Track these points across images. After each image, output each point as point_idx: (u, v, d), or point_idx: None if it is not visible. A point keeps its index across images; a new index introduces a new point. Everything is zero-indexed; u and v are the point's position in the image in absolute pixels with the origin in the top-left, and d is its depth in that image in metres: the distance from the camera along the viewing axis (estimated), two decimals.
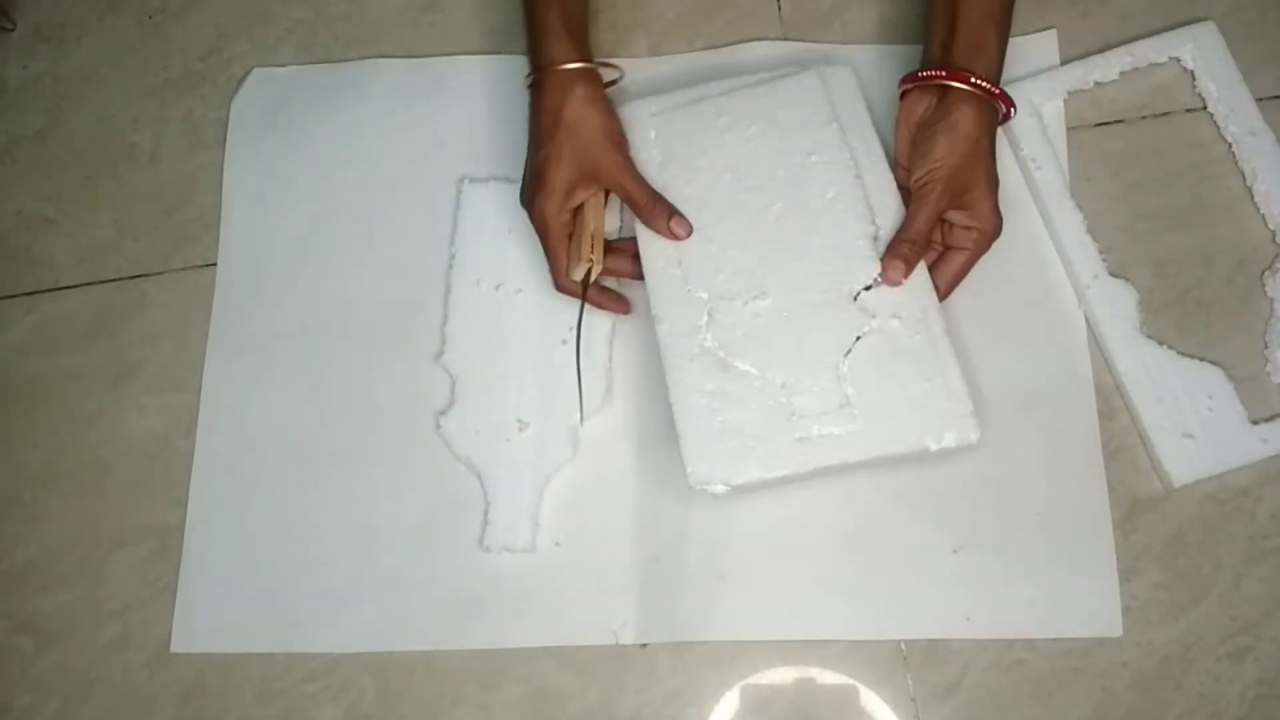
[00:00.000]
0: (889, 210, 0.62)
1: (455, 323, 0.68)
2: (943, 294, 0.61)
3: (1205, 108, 0.69)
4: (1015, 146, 0.68)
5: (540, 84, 0.63)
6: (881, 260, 0.60)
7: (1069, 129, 0.69)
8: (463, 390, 0.67)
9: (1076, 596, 0.61)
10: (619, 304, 0.66)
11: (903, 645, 0.61)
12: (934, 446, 0.58)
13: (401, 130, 0.74)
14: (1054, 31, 0.71)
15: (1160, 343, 0.63)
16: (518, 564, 0.64)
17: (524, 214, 0.64)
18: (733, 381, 0.60)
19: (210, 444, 0.69)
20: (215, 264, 0.73)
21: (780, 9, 0.75)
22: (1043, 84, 0.69)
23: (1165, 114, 0.69)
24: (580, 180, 0.62)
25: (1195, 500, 0.62)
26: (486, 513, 0.65)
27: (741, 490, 0.59)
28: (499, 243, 0.69)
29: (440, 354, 0.68)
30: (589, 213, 0.64)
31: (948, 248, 0.62)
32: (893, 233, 0.61)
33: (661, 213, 0.62)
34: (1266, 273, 0.65)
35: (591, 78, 0.63)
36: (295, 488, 0.67)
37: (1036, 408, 0.64)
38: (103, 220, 0.75)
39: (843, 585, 0.62)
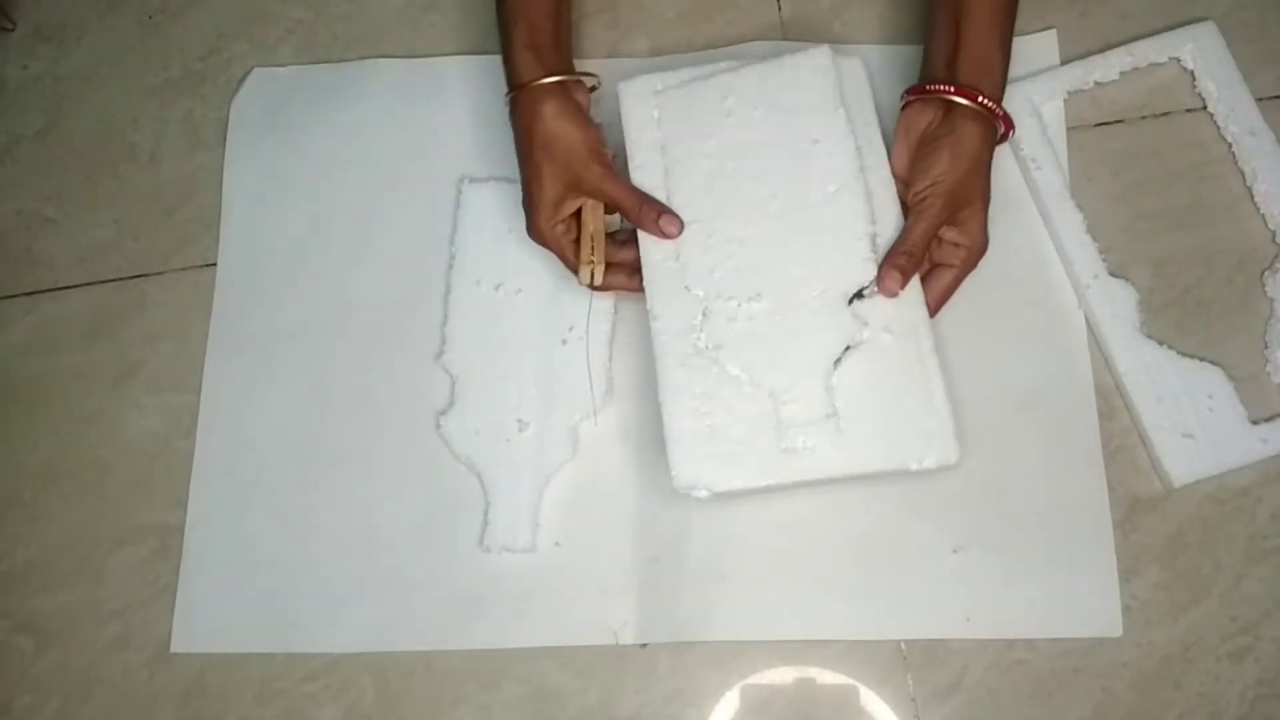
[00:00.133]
0: (888, 213, 0.62)
1: (455, 323, 0.68)
2: (932, 311, 0.61)
3: (1205, 108, 0.69)
4: (1015, 146, 0.68)
5: (514, 103, 0.63)
6: (878, 271, 0.60)
7: (1069, 129, 0.69)
8: (463, 390, 0.67)
9: (1076, 596, 0.61)
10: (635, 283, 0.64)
11: (903, 645, 0.61)
12: (915, 467, 0.58)
13: (401, 130, 0.74)
14: (1054, 31, 0.71)
15: (1160, 343, 0.63)
16: (518, 564, 0.64)
17: (524, 213, 0.64)
18: (723, 385, 0.60)
19: (210, 444, 0.69)
20: (215, 264, 0.73)
21: (780, 9, 0.75)
22: (1043, 84, 0.69)
23: (1165, 114, 0.69)
24: (566, 193, 0.63)
25: (1195, 500, 0.62)
26: (486, 513, 0.65)
27: (724, 498, 0.59)
28: (499, 243, 0.69)
29: (440, 354, 0.68)
30: (587, 215, 0.64)
31: (936, 264, 0.62)
32: (891, 238, 0.61)
33: (650, 213, 0.62)
34: (1266, 273, 0.65)
35: (560, 92, 0.62)
36: (295, 488, 0.67)
37: (1036, 408, 0.64)
38: (103, 220, 0.75)
39: (843, 585, 0.62)
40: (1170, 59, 0.70)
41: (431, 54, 0.76)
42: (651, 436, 0.64)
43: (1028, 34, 0.71)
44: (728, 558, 0.63)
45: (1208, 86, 0.68)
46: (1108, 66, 0.69)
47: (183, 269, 0.73)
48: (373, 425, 0.68)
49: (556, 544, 0.64)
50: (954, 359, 0.64)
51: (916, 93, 0.62)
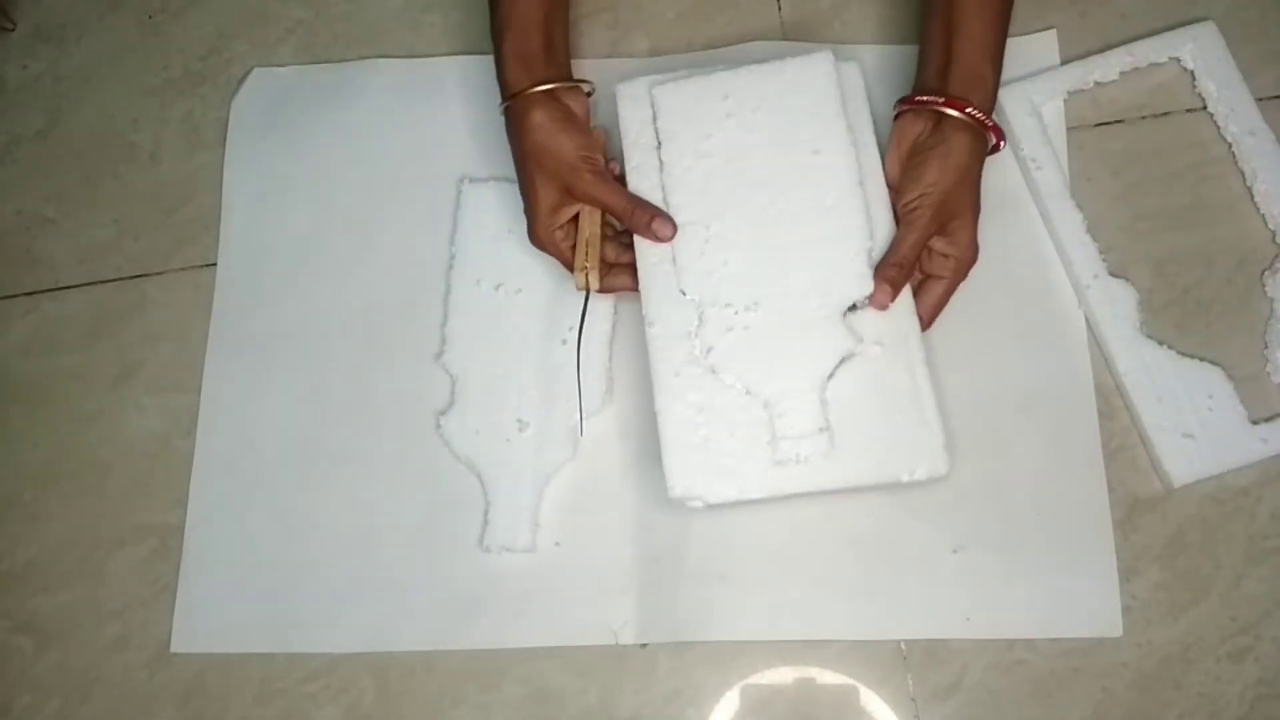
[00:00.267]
0: (884, 226, 0.62)
1: (455, 323, 0.68)
2: (925, 324, 0.61)
3: (1205, 108, 0.69)
4: (1015, 146, 0.68)
5: (506, 114, 0.64)
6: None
7: (1069, 129, 0.69)
8: (463, 390, 0.67)
9: (1076, 596, 0.61)
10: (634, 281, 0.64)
11: (903, 645, 0.61)
12: (905, 479, 0.58)
13: (401, 130, 0.74)
14: (1054, 31, 0.71)
15: (1160, 343, 0.63)
16: (518, 564, 0.64)
17: (523, 213, 0.65)
18: (718, 395, 0.60)
19: (210, 444, 0.69)
20: (215, 264, 0.73)
21: (780, 9, 0.75)
22: (1043, 84, 0.69)
23: (1165, 114, 0.69)
24: (560, 200, 0.63)
25: (1195, 500, 0.62)
26: (486, 513, 0.65)
27: (718, 509, 0.59)
28: (499, 243, 0.69)
29: (440, 354, 0.68)
30: (583, 220, 0.64)
31: (926, 275, 0.62)
32: (883, 251, 0.61)
33: (642, 216, 0.62)
34: (1266, 273, 0.65)
35: (549, 101, 0.62)
36: (295, 488, 0.67)
37: (1036, 408, 0.64)
38: (103, 220, 0.75)
39: (843, 585, 0.62)
40: (1170, 59, 0.70)
41: (431, 54, 0.76)
42: (651, 436, 0.64)
43: (1028, 34, 0.71)
44: (728, 558, 0.63)
45: (1208, 86, 0.68)
46: (1108, 66, 0.69)
47: (183, 269, 0.73)
48: (373, 425, 0.68)
49: (556, 544, 0.64)
50: (954, 359, 0.64)
51: (909, 103, 0.62)
